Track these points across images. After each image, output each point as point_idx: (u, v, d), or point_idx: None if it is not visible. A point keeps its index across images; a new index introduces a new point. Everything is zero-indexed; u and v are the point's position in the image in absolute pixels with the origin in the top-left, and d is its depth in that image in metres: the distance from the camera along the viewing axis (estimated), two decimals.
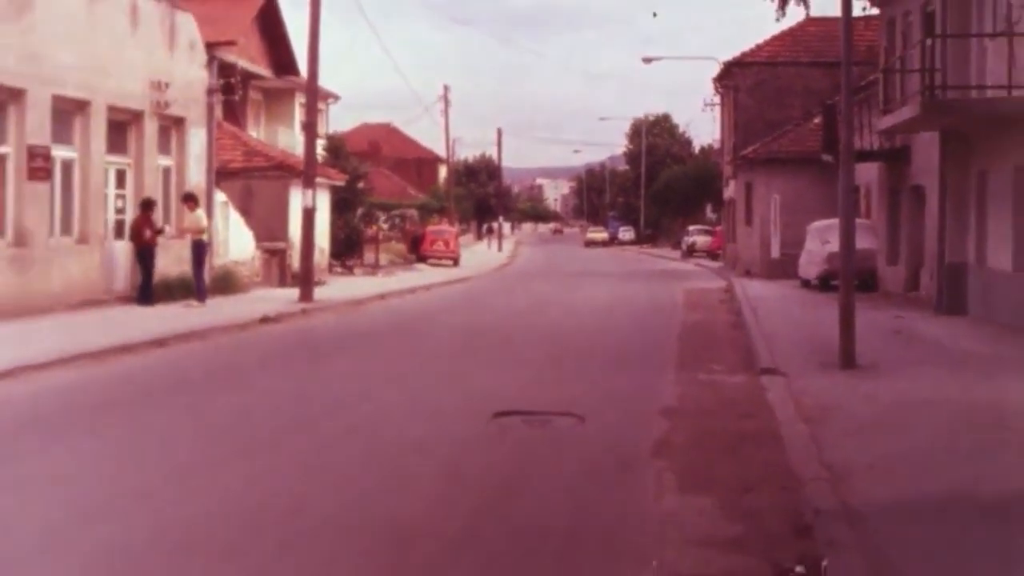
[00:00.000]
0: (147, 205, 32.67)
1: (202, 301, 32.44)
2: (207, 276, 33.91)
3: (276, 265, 42.53)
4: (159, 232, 32.96)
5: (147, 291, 31.83)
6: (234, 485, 11.72)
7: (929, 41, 29.83)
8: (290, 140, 52.30)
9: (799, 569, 8.87)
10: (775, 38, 60.17)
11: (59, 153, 30.22)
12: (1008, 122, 26.82)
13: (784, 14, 15.69)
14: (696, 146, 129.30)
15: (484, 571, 9.09)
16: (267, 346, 25.30)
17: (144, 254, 32.10)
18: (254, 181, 42.54)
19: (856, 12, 25.72)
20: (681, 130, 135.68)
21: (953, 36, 30.16)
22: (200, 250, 33.43)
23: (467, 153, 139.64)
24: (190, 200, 34.07)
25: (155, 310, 30.23)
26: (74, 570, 8.89)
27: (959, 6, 30.71)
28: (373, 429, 15.18)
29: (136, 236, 32.23)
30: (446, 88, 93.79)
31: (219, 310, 30.91)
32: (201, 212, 34.32)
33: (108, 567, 8.94)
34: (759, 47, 60.66)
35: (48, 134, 29.43)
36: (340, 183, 51.59)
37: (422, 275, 55.98)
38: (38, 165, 28.99)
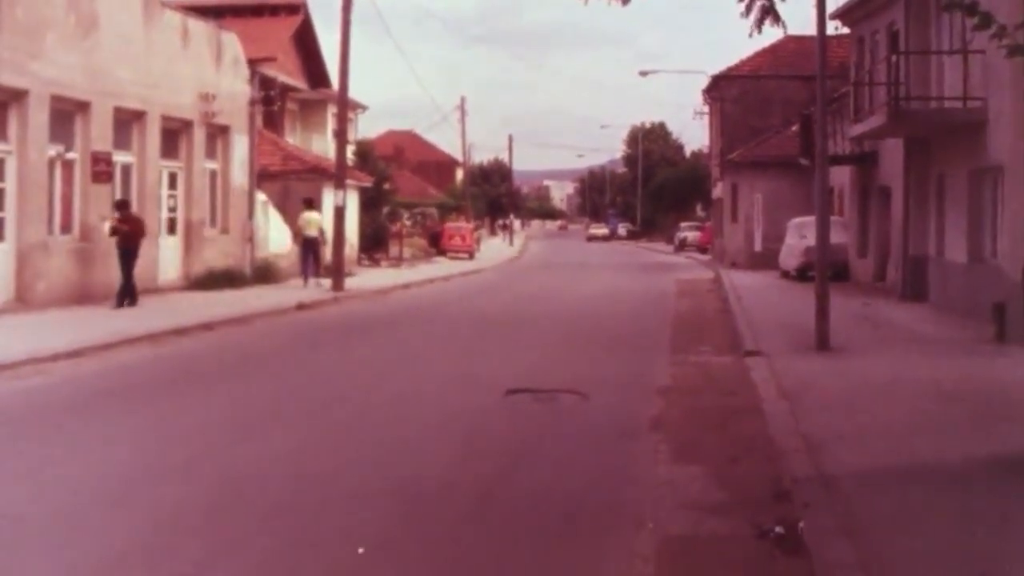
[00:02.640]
0: (121, 205, 28.03)
1: (319, 281, 35.87)
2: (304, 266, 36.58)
3: None
4: (133, 232, 27.60)
5: (126, 292, 27.15)
6: (277, 451, 11.79)
7: (894, 58, 29.85)
8: (323, 146, 52.34)
9: (779, 529, 8.91)
10: (757, 54, 60.07)
11: (119, 158, 30.33)
12: (963, 130, 26.83)
13: (760, 31, 15.73)
14: (687, 151, 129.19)
15: (499, 527, 9.17)
16: (302, 330, 25.32)
17: (126, 254, 27.31)
18: (291, 183, 42.58)
19: (829, 31, 25.72)
20: (674, 137, 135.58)
21: (915, 53, 30.15)
22: (315, 244, 36.72)
23: (481, 157, 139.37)
24: (308, 203, 37.47)
25: (216, 295, 30.41)
26: (146, 520, 8.97)
27: (920, 26, 30.69)
28: (399, 404, 15.26)
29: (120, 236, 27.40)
30: (463, 99, 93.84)
31: (258, 298, 30.95)
32: (315, 214, 36.29)
33: (170, 520, 9.03)
34: (743, 62, 60.57)
35: (110, 141, 29.56)
36: (368, 184, 51.62)
37: (441, 267, 56.00)
38: (101, 169, 29.11)
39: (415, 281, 42.99)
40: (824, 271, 20.99)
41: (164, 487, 10.26)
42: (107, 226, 27.75)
